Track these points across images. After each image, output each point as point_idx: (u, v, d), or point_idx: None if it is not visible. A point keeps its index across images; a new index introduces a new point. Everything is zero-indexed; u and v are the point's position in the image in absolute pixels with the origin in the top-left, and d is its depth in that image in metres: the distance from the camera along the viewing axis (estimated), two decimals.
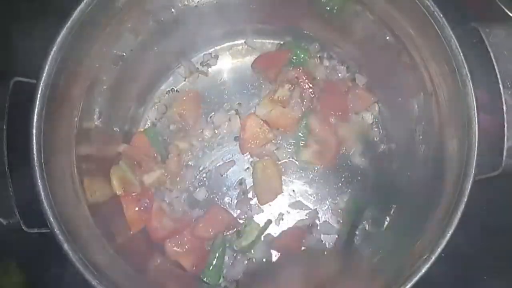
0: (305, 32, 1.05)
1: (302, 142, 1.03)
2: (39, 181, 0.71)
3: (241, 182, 1.03)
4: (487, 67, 0.75)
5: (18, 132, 0.73)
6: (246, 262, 0.98)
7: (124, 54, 0.92)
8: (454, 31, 0.73)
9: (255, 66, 1.08)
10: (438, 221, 0.73)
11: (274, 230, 1.01)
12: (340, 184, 1.04)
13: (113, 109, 0.95)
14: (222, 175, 1.03)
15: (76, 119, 0.83)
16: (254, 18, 1.04)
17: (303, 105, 1.03)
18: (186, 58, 1.08)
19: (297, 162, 1.04)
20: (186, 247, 0.96)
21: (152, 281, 0.89)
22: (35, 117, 0.72)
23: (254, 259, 0.99)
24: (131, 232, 0.94)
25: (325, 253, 1.00)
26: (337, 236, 1.01)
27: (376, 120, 1.07)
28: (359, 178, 1.05)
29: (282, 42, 1.09)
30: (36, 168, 0.72)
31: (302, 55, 1.05)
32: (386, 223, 0.98)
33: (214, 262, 0.96)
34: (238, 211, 1.02)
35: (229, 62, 1.10)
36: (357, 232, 1.01)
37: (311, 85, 1.03)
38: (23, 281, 1.05)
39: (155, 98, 1.08)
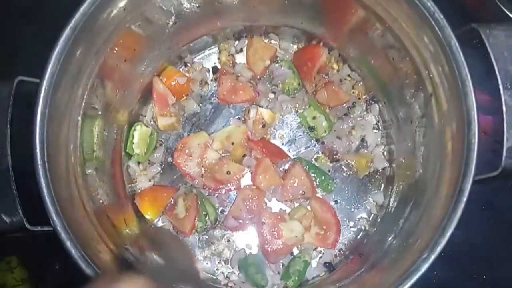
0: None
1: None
2: (42, 179, 0.72)
3: None
4: (487, 68, 0.75)
5: (21, 130, 0.74)
6: None
7: (127, 54, 0.93)
8: (454, 32, 0.73)
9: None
10: (438, 221, 0.73)
11: None
12: None
13: (116, 105, 0.96)
14: None
15: (79, 117, 0.83)
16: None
17: None
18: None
19: None
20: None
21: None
22: (38, 116, 0.73)
23: None
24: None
25: None
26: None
27: (377, 120, 1.08)
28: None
29: None
30: (39, 166, 0.72)
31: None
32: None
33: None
34: None
35: None
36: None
37: None
38: (26, 278, 1.06)
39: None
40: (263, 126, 1.06)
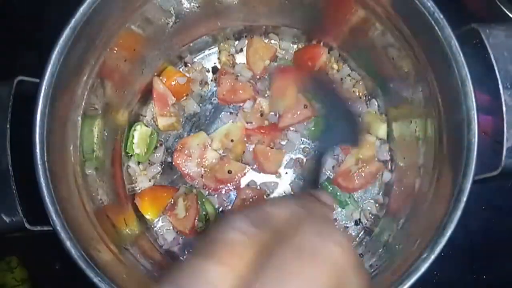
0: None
1: None
2: (42, 179, 0.72)
3: None
4: (487, 68, 0.75)
5: (21, 130, 0.74)
6: None
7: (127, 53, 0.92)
8: (454, 32, 0.73)
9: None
10: (438, 221, 0.73)
11: None
12: None
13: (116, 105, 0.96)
14: None
15: (79, 117, 0.83)
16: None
17: None
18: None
19: None
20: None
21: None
22: (38, 116, 0.73)
23: None
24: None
25: None
26: None
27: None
28: None
29: None
30: (39, 166, 0.72)
31: None
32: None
33: None
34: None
35: None
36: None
37: None
38: (26, 278, 1.06)
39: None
40: (261, 115, 1.06)
